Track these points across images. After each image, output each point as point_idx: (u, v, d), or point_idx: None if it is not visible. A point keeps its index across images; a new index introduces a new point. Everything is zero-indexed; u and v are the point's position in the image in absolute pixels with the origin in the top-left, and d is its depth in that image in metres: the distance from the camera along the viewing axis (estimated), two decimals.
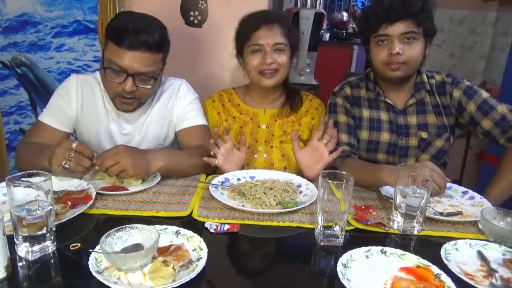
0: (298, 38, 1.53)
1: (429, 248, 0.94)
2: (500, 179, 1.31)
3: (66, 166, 1.06)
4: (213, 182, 1.19)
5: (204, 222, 0.99)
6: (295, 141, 1.31)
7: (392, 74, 1.32)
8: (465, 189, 1.22)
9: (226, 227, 0.96)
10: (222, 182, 1.21)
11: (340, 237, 0.91)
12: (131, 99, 1.28)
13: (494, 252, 0.89)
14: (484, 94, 1.37)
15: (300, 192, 1.18)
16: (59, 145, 1.09)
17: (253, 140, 1.51)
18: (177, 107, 1.44)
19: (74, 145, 1.08)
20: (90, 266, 0.74)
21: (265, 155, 1.50)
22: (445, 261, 0.84)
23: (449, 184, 1.16)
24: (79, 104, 1.38)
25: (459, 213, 1.08)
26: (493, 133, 1.35)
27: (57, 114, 1.36)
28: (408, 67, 1.31)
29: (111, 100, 1.33)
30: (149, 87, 1.28)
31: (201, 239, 0.85)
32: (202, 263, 0.77)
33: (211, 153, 1.25)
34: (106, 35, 1.24)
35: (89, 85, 1.39)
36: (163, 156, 1.21)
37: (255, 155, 1.50)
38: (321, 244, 0.91)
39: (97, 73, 1.42)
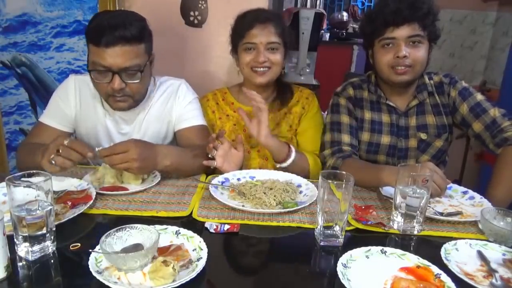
0: (293, 37, 1.53)
1: (429, 248, 0.94)
2: (498, 183, 1.24)
3: (53, 161, 1.05)
4: (213, 182, 1.19)
5: (204, 222, 0.98)
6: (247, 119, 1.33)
7: (398, 79, 1.31)
8: (465, 189, 1.22)
9: (226, 227, 0.96)
10: (222, 182, 1.21)
11: (340, 237, 0.91)
12: (123, 96, 1.27)
13: (494, 252, 0.89)
14: (479, 97, 1.36)
15: (300, 192, 1.18)
16: (53, 141, 1.09)
17: (247, 136, 1.51)
18: (176, 107, 1.44)
19: (66, 141, 1.07)
20: (90, 266, 0.74)
21: (258, 150, 1.51)
22: (445, 261, 0.84)
23: (449, 184, 1.15)
24: (77, 104, 1.38)
25: (459, 213, 1.08)
26: (483, 137, 1.33)
27: (56, 115, 1.37)
28: (413, 70, 1.30)
29: (105, 101, 1.33)
30: (137, 81, 1.26)
31: (201, 239, 0.85)
32: (202, 263, 0.77)
33: (209, 155, 1.26)
34: (86, 39, 1.23)
35: (87, 85, 1.39)
36: (171, 156, 1.20)
37: (248, 152, 1.51)
38: (321, 244, 0.91)
39: None
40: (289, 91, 1.56)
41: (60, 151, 1.05)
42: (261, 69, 1.42)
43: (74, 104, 1.38)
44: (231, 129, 1.53)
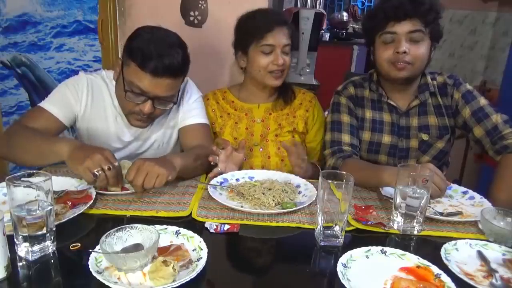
0: (298, 39, 1.56)
1: (429, 248, 0.94)
2: (501, 189, 1.21)
3: (97, 173, 1.01)
4: (212, 182, 1.19)
5: (204, 222, 0.98)
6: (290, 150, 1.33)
7: (398, 74, 1.31)
8: (465, 189, 1.22)
9: (226, 227, 0.96)
10: (221, 183, 1.21)
11: (340, 237, 0.91)
12: (147, 118, 1.29)
13: (494, 252, 0.89)
14: (482, 101, 1.34)
15: (299, 193, 1.18)
16: (101, 149, 1.04)
17: (248, 134, 1.52)
18: (183, 106, 1.44)
19: (117, 163, 1.05)
20: (90, 266, 0.74)
21: (261, 149, 1.51)
22: (445, 261, 0.84)
23: (448, 186, 1.15)
24: (88, 103, 1.35)
25: (459, 213, 1.08)
26: (483, 142, 1.32)
27: (61, 104, 1.31)
28: (413, 67, 1.29)
29: (125, 116, 1.34)
30: (167, 109, 1.30)
31: (201, 239, 0.85)
32: (202, 263, 0.77)
33: (211, 162, 1.26)
34: (127, 54, 1.21)
35: (98, 87, 1.38)
36: (178, 156, 1.20)
37: (251, 150, 1.52)
38: (321, 244, 0.91)
39: (103, 72, 1.41)
40: (290, 90, 1.57)
41: (109, 168, 1.02)
42: (277, 72, 1.44)
43: (85, 103, 1.35)
44: (232, 127, 1.53)
